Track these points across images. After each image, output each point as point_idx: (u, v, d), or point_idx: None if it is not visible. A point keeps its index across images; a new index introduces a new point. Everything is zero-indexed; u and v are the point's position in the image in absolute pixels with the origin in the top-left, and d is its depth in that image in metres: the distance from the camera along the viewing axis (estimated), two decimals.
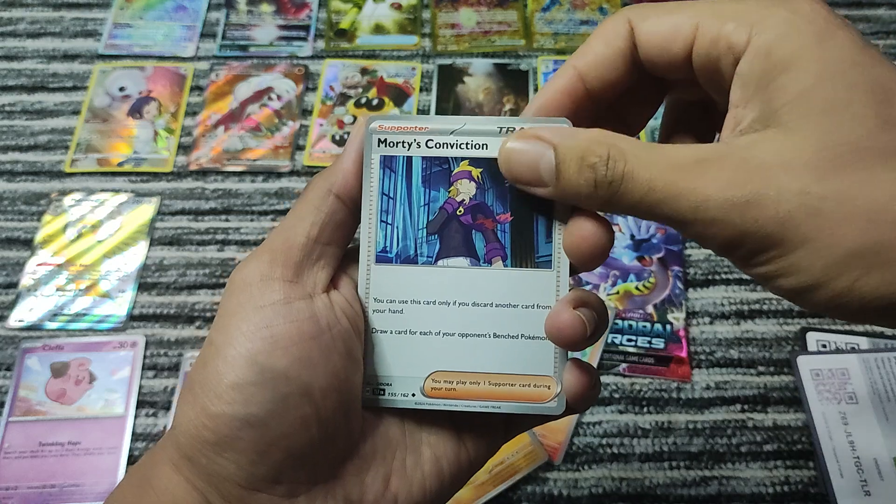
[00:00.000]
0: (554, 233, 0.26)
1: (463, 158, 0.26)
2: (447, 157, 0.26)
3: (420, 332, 0.27)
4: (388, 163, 0.27)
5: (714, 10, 0.23)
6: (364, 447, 0.26)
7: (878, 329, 0.57)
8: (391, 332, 0.27)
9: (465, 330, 0.26)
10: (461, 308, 0.26)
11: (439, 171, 0.26)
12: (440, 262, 0.26)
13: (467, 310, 0.26)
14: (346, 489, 0.25)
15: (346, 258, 0.27)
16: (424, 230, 0.27)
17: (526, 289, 0.26)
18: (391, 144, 0.27)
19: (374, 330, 0.27)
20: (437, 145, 0.26)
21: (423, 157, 0.26)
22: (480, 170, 0.26)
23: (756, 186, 0.21)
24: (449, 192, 0.26)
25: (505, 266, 0.26)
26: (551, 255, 0.26)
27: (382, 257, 0.27)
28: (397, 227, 0.27)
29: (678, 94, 0.28)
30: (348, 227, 0.27)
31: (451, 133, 0.26)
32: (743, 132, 0.22)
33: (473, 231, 0.26)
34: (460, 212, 0.26)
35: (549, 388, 0.26)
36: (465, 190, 0.26)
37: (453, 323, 0.26)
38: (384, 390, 0.27)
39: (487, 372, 0.26)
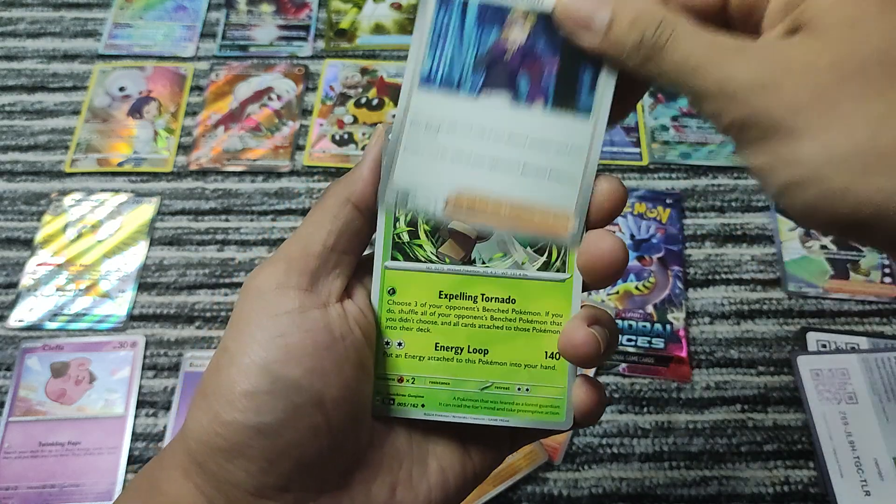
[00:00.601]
0: (598, 83, 0.26)
1: (518, 7, 0.26)
2: (502, 6, 0.26)
3: (451, 154, 0.27)
4: (444, 2, 0.26)
5: None
6: (372, 457, 0.26)
7: (878, 329, 0.57)
8: (423, 152, 0.27)
9: (496, 161, 0.26)
10: (495, 141, 0.26)
11: (493, 15, 0.26)
12: (482, 94, 0.27)
13: (501, 143, 0.26)
14: (352, 498, 0.26)
15: (359, 267, 0.27)
16: (472, 63, 0.27)
17: (561, 131, 0.26)
18: None
19: (405, 148, 0.27)
20: None
21: (479, 3, 0.26)
22: (534, 21, 0.26)
23: (777, 75, 0.22)
24: (501, 35, 0.27)
25: (545, 109, 0.26)
26: (592, 104, 0.26)
27: (426, 82, 0.27)
28: (445, 56, 0.27)
29: None
30: (364, 236, 0.27)
31: None
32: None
33: (520, 72, 0.27)
34: (509, 54, 0.27)
35: (566, 223, 0.26)
36: (517, 36, 0.27)
37: (485, 152, 0.26)
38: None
39: (510, 198, 0.27)
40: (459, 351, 0.27)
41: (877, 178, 0.20)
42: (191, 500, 0.24)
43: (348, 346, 0.25)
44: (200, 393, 0.25)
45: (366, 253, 0.28)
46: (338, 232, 0.26)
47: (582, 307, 0.26)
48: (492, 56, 0.27)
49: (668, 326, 0.57)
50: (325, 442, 0.24)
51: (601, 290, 0.59)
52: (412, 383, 0.27)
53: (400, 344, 0.27)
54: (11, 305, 0.59)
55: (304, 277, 0.25)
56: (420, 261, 0.27)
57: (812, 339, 0.57)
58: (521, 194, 0.26)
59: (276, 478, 0.24)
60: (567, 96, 0.26)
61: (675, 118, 0.68)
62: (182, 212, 0.64)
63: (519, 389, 0.27)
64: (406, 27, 0.75)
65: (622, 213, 0.62)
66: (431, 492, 0.27)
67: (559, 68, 0.26)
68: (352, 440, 0.26)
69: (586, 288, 0.27)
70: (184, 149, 0.67)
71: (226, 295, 0.60)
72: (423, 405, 0.27)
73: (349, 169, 0.28)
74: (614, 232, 0.26)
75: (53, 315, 0.59)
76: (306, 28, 0.75)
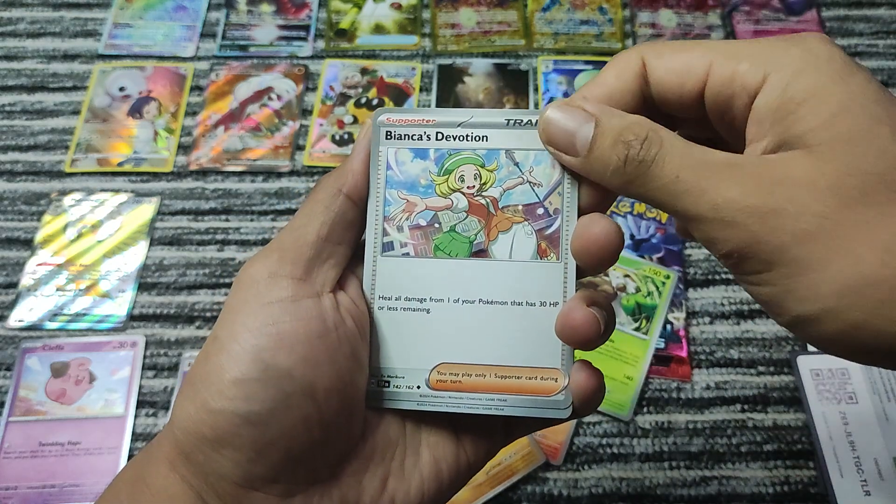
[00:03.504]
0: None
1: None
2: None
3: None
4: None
5: (727, 50, 0.23)
6: (363, 448, 0.26)
7: None
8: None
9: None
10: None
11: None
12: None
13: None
14: (342, 490, 0.25)
15: (352, 259, 0.27)
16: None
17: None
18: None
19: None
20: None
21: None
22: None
23: (778, 199, 0.21)
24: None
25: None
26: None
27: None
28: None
29: (688, 132, 0.28)
30: (357, 226, 0.27)
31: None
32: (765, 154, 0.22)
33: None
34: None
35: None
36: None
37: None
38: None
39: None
40: None
41: (894, 310, 0.19)
42: (177, 493, 0.24)
43: (341, 336, 0.25)
44: (188, 382, 0.24)
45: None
46: (331, 223, 0.26)
47: (578, 289, 0.26)
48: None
49: (668, 326, 0.57)
50: (316, 432, 0.24)
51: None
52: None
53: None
54: (11, 305, 0.59)
55: (298, 267, 0.25)
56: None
57: None
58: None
59: (265, 468, 0.24)
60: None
61: None
62: (182, 212, 0.64)
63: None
64: (406, 27, 0.75)
65: (622, 214, 0.62)
66: (424, 483, 0.27)
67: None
68: (344, 431, 0.25)
69: (582, 274, 0.26)
70: (184, 149, 0.67)
71: (226, 295, 0.60)
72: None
73: None
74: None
75: (53, 315, 0.59)
76: (306, 28, 0.75)
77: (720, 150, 0.22)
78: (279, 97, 0.70)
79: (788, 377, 0.55)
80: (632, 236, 0.61)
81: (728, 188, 0.21)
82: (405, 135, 0.27)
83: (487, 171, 0.27)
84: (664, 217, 0.62)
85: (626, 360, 0.55)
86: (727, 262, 0.22)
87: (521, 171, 0.26)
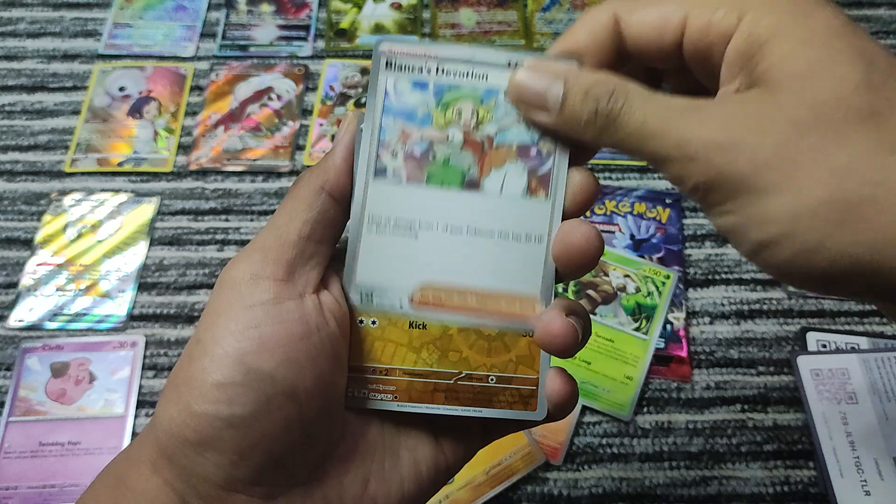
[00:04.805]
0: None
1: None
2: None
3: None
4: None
5: (702, 0, 0.24)
6: (344, 450, 0.26)
7: (878, 329, 0.57)
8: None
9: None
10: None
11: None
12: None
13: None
14: (324, 491, 0.25)
15: (334, 258, 0.27)
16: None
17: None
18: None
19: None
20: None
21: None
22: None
23: (738, 133, 0.22)
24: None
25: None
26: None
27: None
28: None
29: (671, 83, 0.28)
30: (338, 225, 0.27)
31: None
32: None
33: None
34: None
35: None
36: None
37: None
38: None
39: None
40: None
41: (850, 230, 0.20)
42: (159, 495, 0.24)
43: (323, 337, 0.25)
44: (171, 384, 0.24)
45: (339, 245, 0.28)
46: (313, 221, 0.25)
47: (555, 299, 0.26)
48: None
49: (668, 326, 0.57)
50: (297, 434, 0.24)
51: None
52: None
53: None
54: (11, 305, 0.59)
55: (280, 267, 0.25)
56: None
57: (812, 339, 0.57)
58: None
59: (248, 471, 0.24)
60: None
61: None
62: (182, 212, 0.64)
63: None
64: (406, 27, 0.75)
65: (622, 214, 0.62)
66: (404, 484, 0.27)
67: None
68: (324, 433, 0.25)
69: (560, 279, 0.27)
70: (184, 149, 0.67)
71: None
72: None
73: None
74: (589, 221, 0.26)
75: (53, 315, 0.59)
76: (306, 28, 0.75)
77: (685, 97, 0.23)
78: (279, 97, 0.70)
79: (788, 377, 0.55)
80: (632, 236, 0.61)
81: (692, 128, 0.22)
82: (406, 66, 0.27)
83: (485, 108, 0.27)
84: (664, 217, 0.62)
85: (626, 360, 0.55)
86: (694, 196, 0.23)
87: (517, 112, 0.27)
